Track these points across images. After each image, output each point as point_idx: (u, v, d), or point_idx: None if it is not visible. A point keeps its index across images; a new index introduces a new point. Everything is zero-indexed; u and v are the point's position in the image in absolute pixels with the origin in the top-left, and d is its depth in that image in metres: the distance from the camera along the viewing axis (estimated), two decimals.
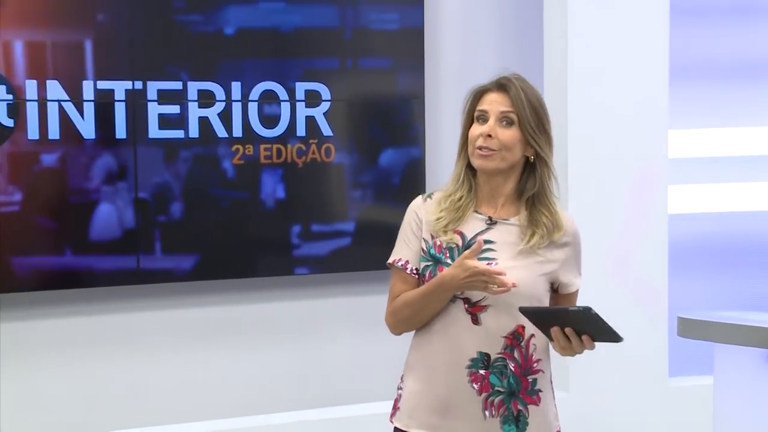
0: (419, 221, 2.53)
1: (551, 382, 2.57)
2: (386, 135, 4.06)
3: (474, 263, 2.36)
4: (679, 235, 4.22)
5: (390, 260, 2.55)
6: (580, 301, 2.51)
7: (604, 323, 2.35)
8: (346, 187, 4.08)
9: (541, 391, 2.50)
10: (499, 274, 2.37)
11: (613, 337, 2.37)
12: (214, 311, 3.98)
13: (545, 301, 2.53)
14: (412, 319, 2.54)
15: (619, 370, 3.99)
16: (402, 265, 2.51)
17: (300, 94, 3.96)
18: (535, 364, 2.47)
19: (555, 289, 2.56)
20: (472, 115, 2.51)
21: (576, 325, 2.38)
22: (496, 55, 4.27)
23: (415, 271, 2.53)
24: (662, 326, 4.02)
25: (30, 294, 3.70)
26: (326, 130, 4.00)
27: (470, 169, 2.52)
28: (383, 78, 4.11)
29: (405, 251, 2.53)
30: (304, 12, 3.97)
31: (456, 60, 4.19)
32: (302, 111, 3.96)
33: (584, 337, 2.40)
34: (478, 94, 2.51)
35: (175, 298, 3.92)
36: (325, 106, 4.00)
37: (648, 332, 4.00)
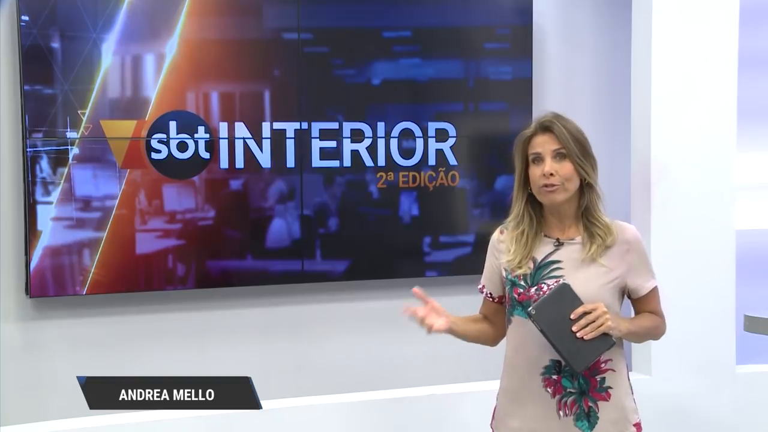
0: (497, 255, 2.62)
1: (629, 380, 2.54)
2: (501, 165, 4.24)
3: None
4: (747, 248, 4.33)
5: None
6: (664, 303, 2.55)
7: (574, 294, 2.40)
8: (467, 206, 4.32)
9: (611, 388, 2.49)
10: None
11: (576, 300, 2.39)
12: (361, 305, 4.27)
13: (616, 310, 2.50)
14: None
15: (693, 357, 4.13)
16: (480, 289, 2.69)
17: (431, 132, 4.24)
18: (603, 365, 2.48)
19: (628, 296, 2.57)
20: (526, 158, 2.53)
21: (565, 307, 2.37)
22: (592, 101, 4.58)
23: (489, 295, 2.66)
24: (730, 323, 4.16)
25: (220, 290, 4.02)
26: (452, 160, 4.27)
27: (529, 204, 2.55)
28: (499, 119, 4.34)
29: (484, 278, 2.68)
30: (435, 66, 4.23)
31: (558, 104, 4.26)
32: (433, 145, 4.24)
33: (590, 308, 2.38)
34: (527, 139, 2.53)
35: (331, 294, 4.21)
36: (451, 141, 4.27)
37: (717, 327, 4.18)
